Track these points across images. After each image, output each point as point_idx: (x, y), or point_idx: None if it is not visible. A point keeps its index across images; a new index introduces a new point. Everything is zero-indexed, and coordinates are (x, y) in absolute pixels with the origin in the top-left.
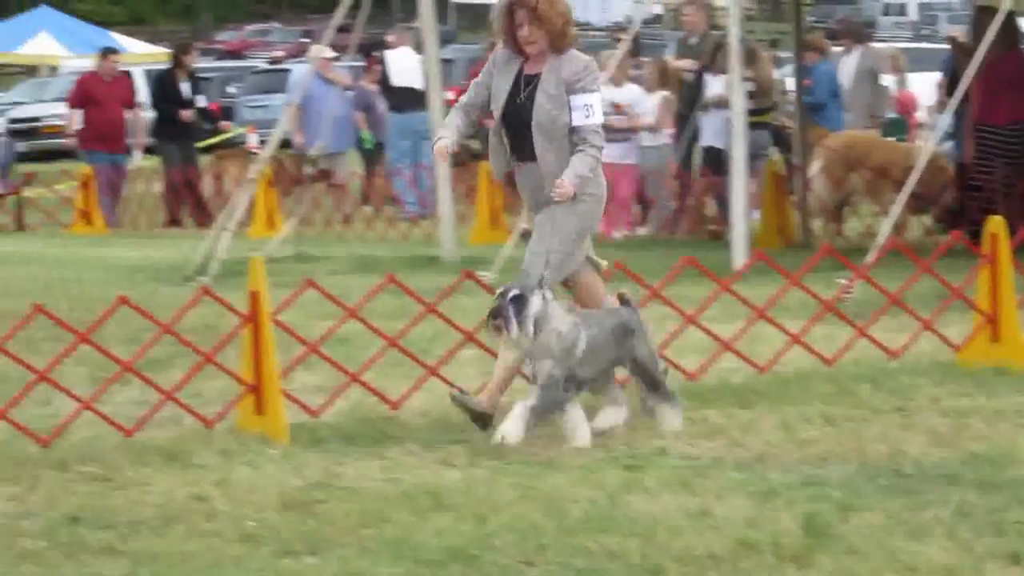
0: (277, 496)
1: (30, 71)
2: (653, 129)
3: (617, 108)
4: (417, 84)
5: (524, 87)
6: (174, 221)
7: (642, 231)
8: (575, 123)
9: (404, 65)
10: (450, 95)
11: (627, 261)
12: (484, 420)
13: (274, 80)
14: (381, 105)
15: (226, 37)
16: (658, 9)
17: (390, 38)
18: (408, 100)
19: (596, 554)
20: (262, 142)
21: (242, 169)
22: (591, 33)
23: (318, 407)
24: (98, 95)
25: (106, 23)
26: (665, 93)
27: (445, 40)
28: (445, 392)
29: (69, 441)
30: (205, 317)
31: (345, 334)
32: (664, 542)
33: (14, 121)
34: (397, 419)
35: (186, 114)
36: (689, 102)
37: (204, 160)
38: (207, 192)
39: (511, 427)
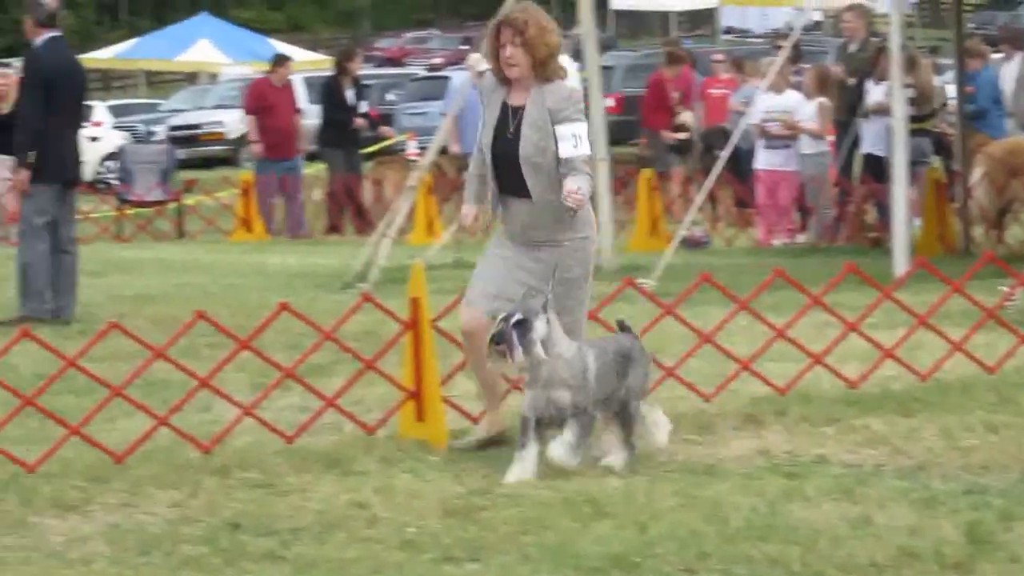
0: (438, 503)
1: (190, 78)
2: (813, 136)
3: (789, 122)
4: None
5: (512, 120)
6: (334, 228)
7: (802, 238)
8: (563, 154)
9: None
10: (610, 102)
11: (787, 268)
12: (494, 441)
13: (433, 87)
14: None
15: (385, 44)
16: (818, 16)
17: None
18: None
19: (757, 562)
20: (421, 149)
21: (402, 176)
22: (750, 40)
23: (478, 414)
24: (270, 101)
25: (265, 30)
26: (824, 100)
27: (605, 47)
28: None
29: (230, 447)
30: (365, 324)
31: None
32: (825, 550)
33: (174, 128)
34: None
35: (359, 121)
36: (849, 109)
37: (364, 167)
38: (367, 199)
39: (559, 454)
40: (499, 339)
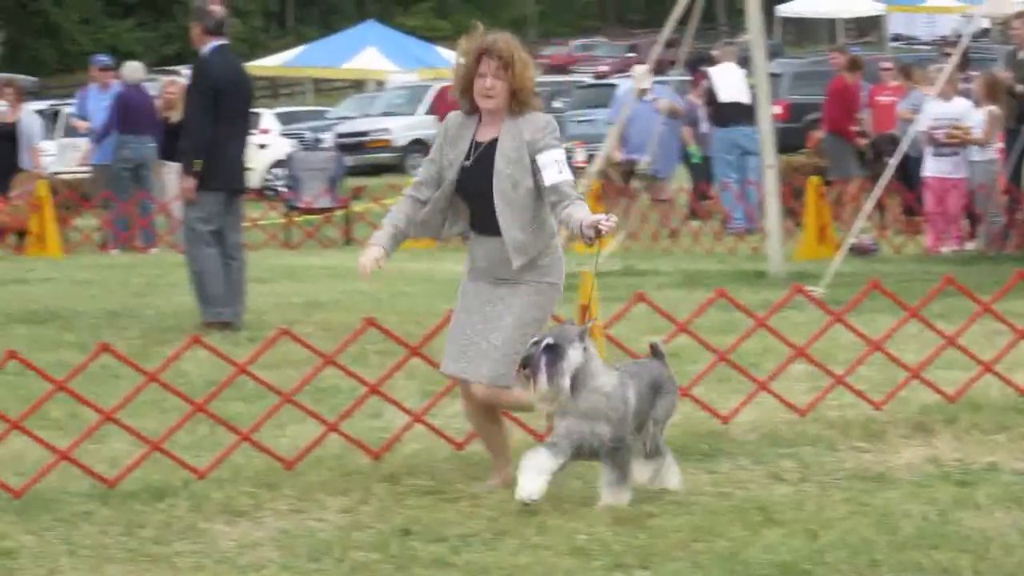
0: (607, 510)
1: (357, 86)
2: (982, 143)
3: (958, 132)
4: (743, 98)
5: (474, 153)
6: None
7: (971, 246)
8: (549, 181)
9: (729, 80)
10: (777, 109)
11: (956, 276)
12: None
13: (600, 95)
14: (706, 120)
15: (552, 52)
16: (986, 23)
17: (715, 53)
18: (733, 114)
19: (928, 570)
20: (589, 157)
21: None
22: (917, 47)
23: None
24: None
25: (432, 38)
26: (994, 107)
27: (772, 54)
28: (775, 406)
29: (400, 454)
30: None
31: (674, 348)
32: (997, 559)
33: (342, 136)
34: (727, 433)
35: None
36: (1018, 116)
37: None
38: None
39: (611, 499)
40: (527, 363)
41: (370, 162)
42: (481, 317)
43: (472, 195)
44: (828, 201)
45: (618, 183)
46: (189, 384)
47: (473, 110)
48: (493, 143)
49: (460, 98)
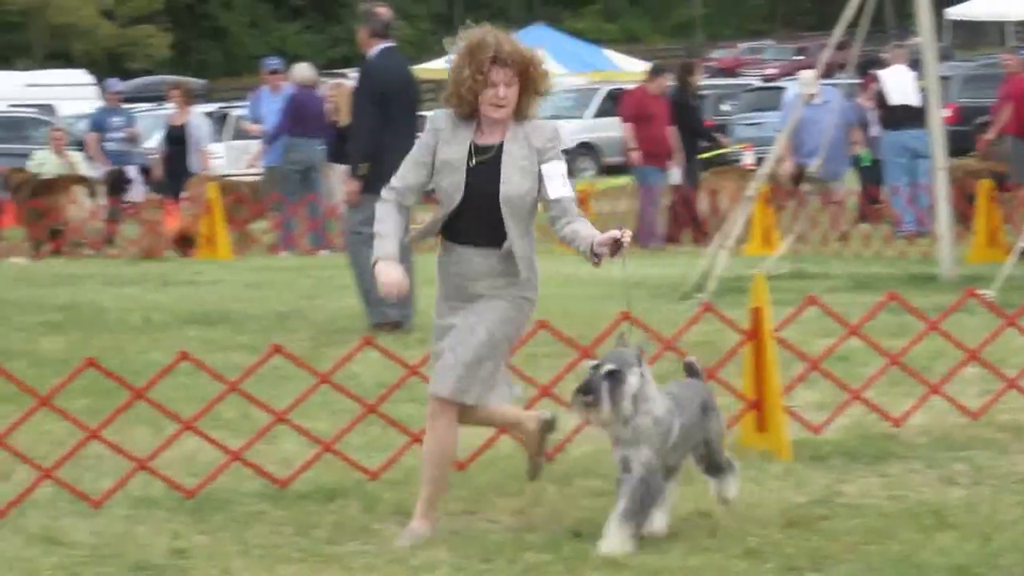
0: (779, 512)
1: None
2: None
3: None
4: (913, 101)
5: (476, 159)
6: (671, 238)
7: None
8: (555, 195)
9: (900, 82)
10: (947, 112)
11: None
12: (538, 459)
13: (767, 98)
14: (876, 123)
15: (719, 55)
16: None
17: (885, 55)
18: (904, 117)
19: None
20: (758, 160)
21: (738, 186)
22: None
23: (820, 424)
24: (648, 110)
25: (599, 41)
26: None
27: (942, 57)
28: (947, 410)
29: (571, 455)
30: (704, 334)
31: (845, 351)
32: None
33: None
34: (898, 436)
35: (725, 140)
36: None
37: (700, 178)
38: (703, 209)
39: (615, 543)
40: (587, 390)
41: None
42: (447, 328)
43: (472, 203)
44: (1000, 205)
45: (787, 187)
46: (360, 385)
47: (470, 114)
48: (499, 149)
49: (456, 103)
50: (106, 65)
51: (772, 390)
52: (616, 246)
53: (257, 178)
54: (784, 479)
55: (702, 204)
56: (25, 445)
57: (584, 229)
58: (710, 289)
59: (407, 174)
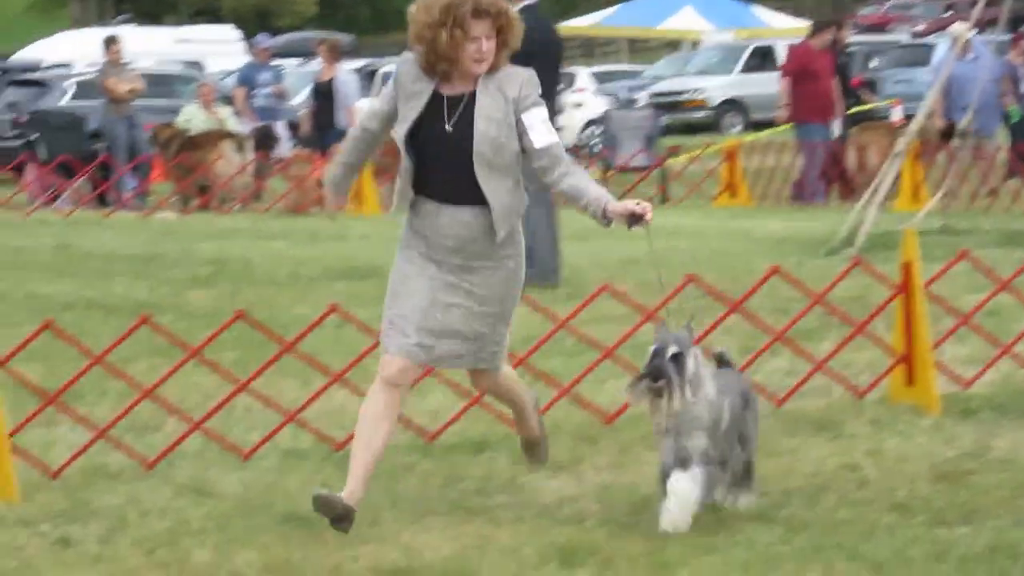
0: (928, 466)
1: (672, 45)
2: None
3: None
4: None
5: (451, 112)
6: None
7: None
8: (540, 144)
9: None
10: None
11: None
12: (345, 519)
13: (916, 54)
14: None
15: (868, 11)
16: None
17: None
18: None
19: None
20: (907, 116)
21: (886, 142)
22: None
23: (969, 378)
24: (813, 66)
25: None
26: None
27: None
28: None
29: None
30: (852, 289)
31: (995, 307)
32: None
33: (656, 95)
34: None
35: (871, 97)
36: None
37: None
38: (850, 165)
39: (679, 518)
40: (657, 375)
41: (685, 121)
42: (451, 304)
43: (442, 159)
44: None
45: (937, 142)
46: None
47: (442, 71)
48: (469, 101)
49: (433, 60)
50: (254, 21)
51: (922, 344)
52: (634, 220)
53: None
54: (933, 434)
55: (850, 160)
56: (175, 397)
57: (590, 188)
58: (858, 244)
59: (370, 118)
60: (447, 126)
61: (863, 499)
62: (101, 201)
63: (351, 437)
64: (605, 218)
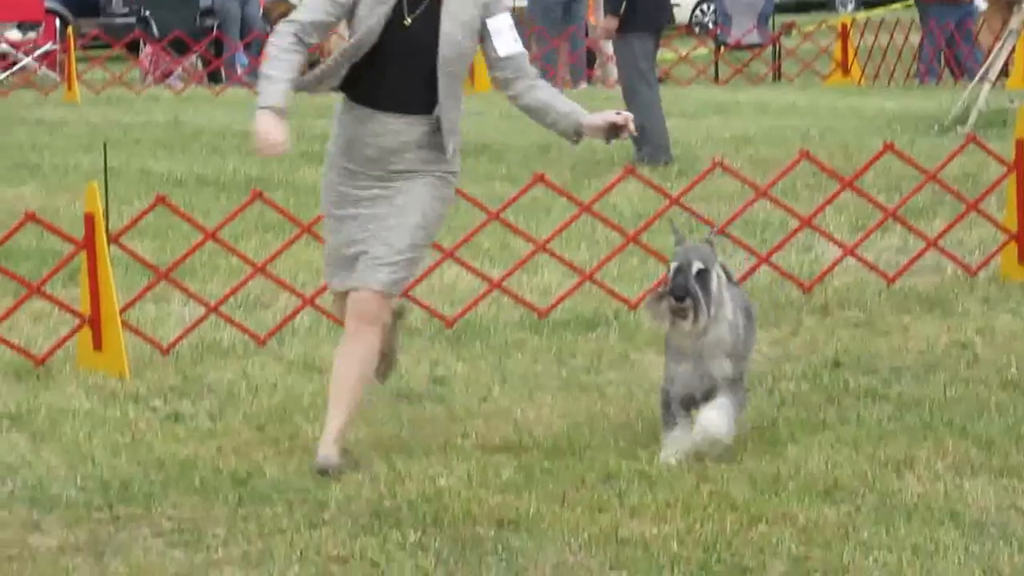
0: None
1: None
2: None
3: None
4: None
5: (411, 12)
6: (930, 73)
7: None
8: (505, 51)
9: None
10: None
11: None
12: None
13: None
14: None
15: None
16: None
17: None
18: None
19: None
20: None
21: (1000, 20)
22: None
23: None
24: None
25: None
26: None
27: None
28: None
29: (830, 286)
30: (965, 166)
31: None
32: None
33: None
34: None
35: None
36: None
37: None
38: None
39: (723, 424)
40: (682, 294)
41: None
42: (370, 217)
43: (391, 59)
44: None
45: None
46: (619, 216)
47: None
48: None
49: None
50: None
51: None
52: (614, 132)
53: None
54: None
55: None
56: (286, 273)
57: (558, 101)
58: (971, 122)
59: (316, 8)
60: (405, 19)
61: (974, 377)
62: (213, 78)
63: (463, 313)
64: (576, 134)
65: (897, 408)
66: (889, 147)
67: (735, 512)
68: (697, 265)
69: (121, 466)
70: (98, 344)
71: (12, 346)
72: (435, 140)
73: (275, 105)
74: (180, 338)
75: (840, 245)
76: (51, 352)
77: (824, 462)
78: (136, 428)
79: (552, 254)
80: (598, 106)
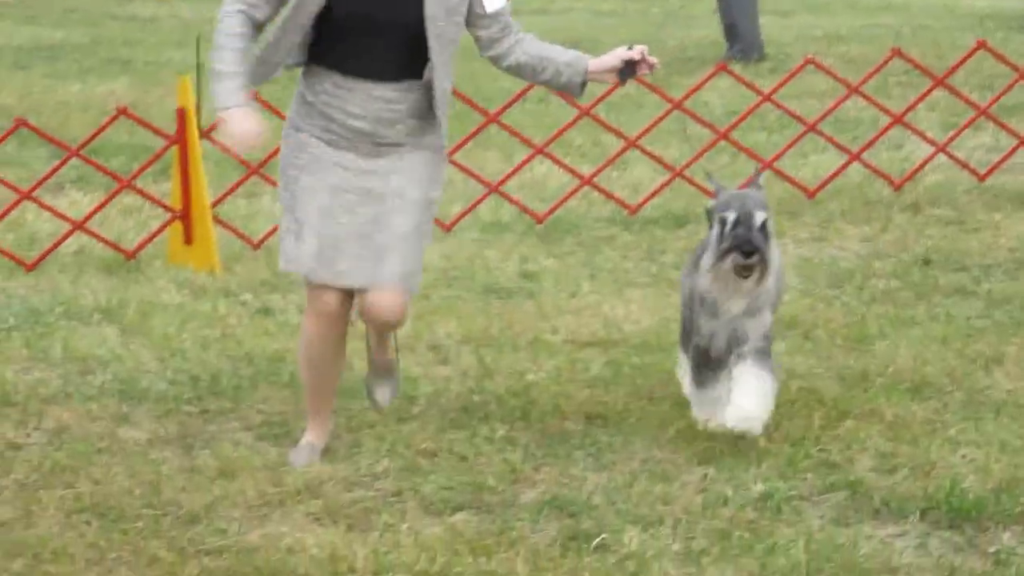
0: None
1: None
2: None
3: None
4: None
5: None
6: None
7: None
8: (492, 7)
9: None
10: None
11: None
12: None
13: None
14: None
15: None
16: None
17: None
18: None
19: None
20: None
21: None
22: None
23: None
24: None
25: None
26: None
27: None
28: None
29: (921, 184)
30: None
31: None
32: None
33: None
34: None
35: None
36: None
37: None
38: None
39: (759, 415)
40: (749, 249)
41: None
42: (363, 198)
43: (362, 24)
44: None
45: None
46: (711, 113)
47: None
48: None
49: None
50: None
51: None
52: (629, 69)
53: None
54: None
55: None
56: None
57: (555, 52)
58: None
59: None
60: None
61: None
62: None
63: (553, 209)
64: (582, 85)
65: (987, 305)
66: (982, 44)
67: (823, 408)
68: (760, 215)
69: (211, 360)
70: (189, 239)
71: (104, 240)
72: (422, 107)
73: (236, 103)
74: (271, 233)
75: (931, 143)
76: (142, 246)
77: (912, 359)
78: (226, 322)
79: (643, 150)
80: (688, 3)
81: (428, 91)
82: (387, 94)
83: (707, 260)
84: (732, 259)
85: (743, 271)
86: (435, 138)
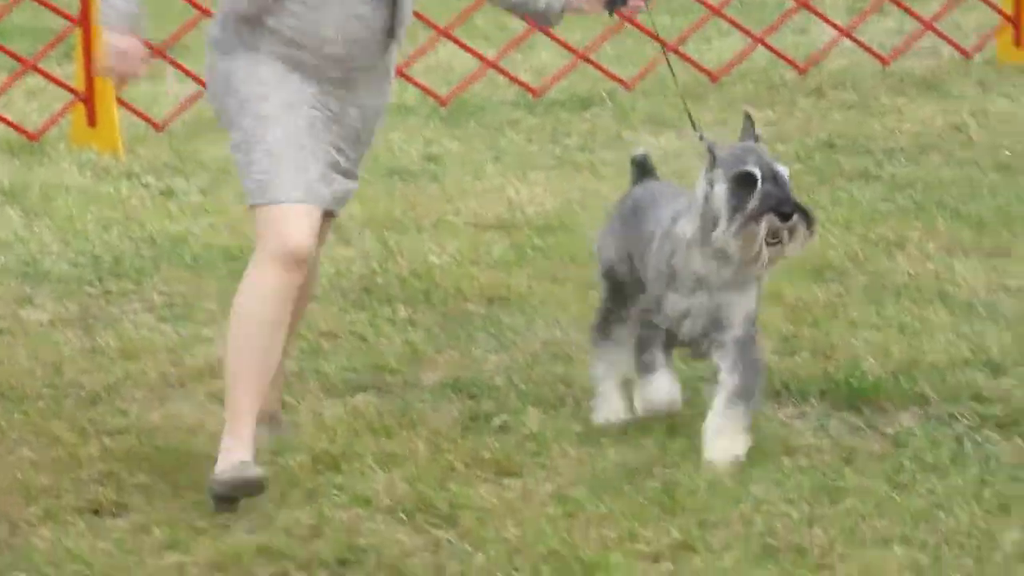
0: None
1: None
2: None
3: None
4: None
5: None
6: None
7: None
8: None
9: None
10: None
11: None
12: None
13: None
14: None
15: None
16: None
17: None
18: None
19: None
20: None
21: None
22: None
23: None
24: None
25: None
26: None
27: None
28: None
29: (825, 69)
30: None
31: None
32: None
33: None
34: None
35: None
36: None
37: None
38: None
39: (727, 448)
40: (788, 210)
41: None
42: (331, 122)
43: None
44: None
45: None
46: None
47: None
48: None
49: None
50: None
51: None
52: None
53: None
54: None
55: None
56: None
57: None
58: None
59: None
60: None
61: (967, 158)
62: None
63: (457, 92)
64: (561, 11)
65: (889, 189)
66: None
67: None
68: (784, 169)
69: (113, 241)
70: (92, 121)
71: (7, 122)
72: (389, 28)
73: (122, 25)
74: (174, 116)
75: (836, 27)
76: (45, 128)
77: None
78: (128, 204)
79: (547, 33)
80: None
81: (392, 7)
82: (357, 9)
83: (723, 225)
84: (767, 222)
85: (775, 237)
86: (391, 65)
